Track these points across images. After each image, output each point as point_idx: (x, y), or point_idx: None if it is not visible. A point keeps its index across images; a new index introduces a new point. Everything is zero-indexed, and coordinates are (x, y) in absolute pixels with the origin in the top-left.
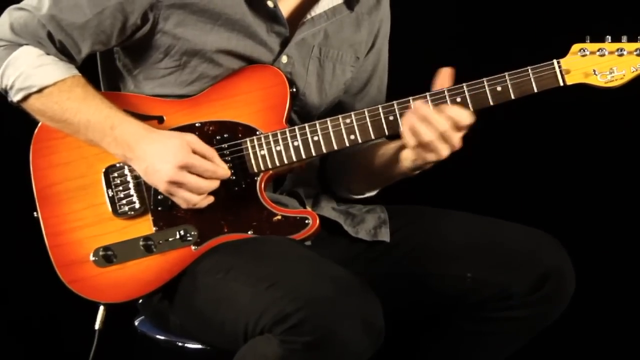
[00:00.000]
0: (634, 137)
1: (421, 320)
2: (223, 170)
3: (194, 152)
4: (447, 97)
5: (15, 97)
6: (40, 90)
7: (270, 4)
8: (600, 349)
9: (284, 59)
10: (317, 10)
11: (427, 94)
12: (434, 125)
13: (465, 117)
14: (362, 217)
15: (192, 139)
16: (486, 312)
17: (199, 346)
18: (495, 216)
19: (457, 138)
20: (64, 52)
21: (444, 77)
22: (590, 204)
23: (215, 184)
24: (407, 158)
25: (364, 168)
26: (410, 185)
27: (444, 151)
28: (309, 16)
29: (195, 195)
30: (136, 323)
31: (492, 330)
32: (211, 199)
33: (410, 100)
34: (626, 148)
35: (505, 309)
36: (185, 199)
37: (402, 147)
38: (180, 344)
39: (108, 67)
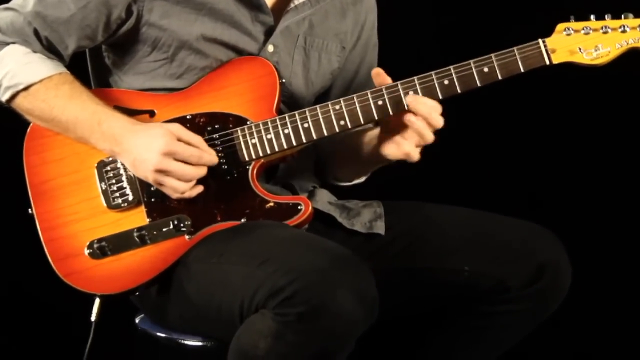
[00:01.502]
0: (629, 130)
1: (419, 315)
2: (209, 155)
3: (179, 139)
4: (434, 79)
5: (3, 96)
6: (27, 88)
7: None
8: (596, 341)
9: (269, 48)
10: None
11: (415, 77)
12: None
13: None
14: (358, 210)
15: (176, 128)
16: (483, 306)
17: (200, 343)
18: (492, 210)
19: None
20: (51, 49)
21: (378, 77)
22: (586, 198)
23: (202, 171)
24: (391, 153)
25: (349, 155)
26: (407, 181)
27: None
28: (292, 4)
29: (183, 182)
30: (137, 320)
31: (489, 323)
32: (200, 188)
33: (399, 85)
34: (622, 141)
35: (502, 303)
36: (173, 187)
37: (383, 136)
38: (180, 340)
39: (97, 64)
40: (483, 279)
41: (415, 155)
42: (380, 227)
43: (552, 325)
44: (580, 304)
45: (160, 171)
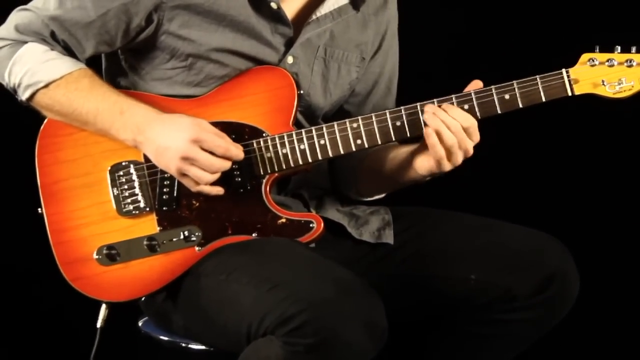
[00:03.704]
0: (638, 139)
1: (425, 322)
2: (236, 149)
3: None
4: (455, 104)
5: (24, 94)
6: (47, 85)
7: (273, 5)
8: (603, 350)
9: (289, 59)
10: (323, 10)
11: (435, 100)
12: (455, 130)
13: (468, 118)
14: (366, 218)
15: (203, 120)
16: (490, 314)
17: (203, 347)
18: (500, 218)
19: (470, 145)
20: (68, 51)
21: (475, 87)
22: (595, 207)
23: (227, 164)
24: (423, 165)
25: (374, 172)
26: (415, 187)
27: (460, 157)
28: (314, 16)
29: (207, 173)
30: (140, 324)
31: (496, 332)
32: (220, 190)
33: (418, 106)
34: (630, 151)
35: (509, 311)
36: (197, 176)
37: (415, 152)
38: (184, 344)
39: (113, 67)
40: (490, 288)
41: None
42: (389, 236)
43: (558, 334)
44: (587, 313)
45: (187, 159)
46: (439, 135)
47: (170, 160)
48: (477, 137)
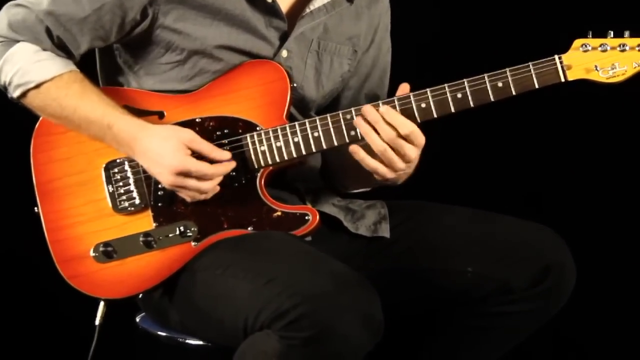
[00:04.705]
0: (635, 131)
1: (422, 316)
2: (224, 166)
3: (191, 150)
4: (447, 92)
5: (14, 93)
6: (38, 86)
7: None
8: (600, 342)
9: (284, 53)
10: (316, 3)
11: (428, 90)
12: (383, 134)
13: (406, 125)
14: (362, 212)
15: (188, 137)
16: (487, 307)
17: (200, 342)
18: (496, 211)
19: (409, 149)
20: (62, 48)
21: (402, 92)
22: (591, 199)
23: (215, 184)
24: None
25: (353, 169)
26: (411, 181)
27: (398, 164)
28: (307, 10)
29: (198, 194)
30: (137, 319)
31: (493, 324)
32: (217, 188)
33: (411, 97)
34: (627, 143)
35: (506, 303)
36: (190, 196)
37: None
38: (181, 340)
39: (107, 63)
40: (486, 280)
41: (384, 173)
42: (385, 230)
43: (555, 326)
44: (583, 305)
45: (176, 186)
46: (369, 140)
47: (162, 181)
48: (421, 139)
